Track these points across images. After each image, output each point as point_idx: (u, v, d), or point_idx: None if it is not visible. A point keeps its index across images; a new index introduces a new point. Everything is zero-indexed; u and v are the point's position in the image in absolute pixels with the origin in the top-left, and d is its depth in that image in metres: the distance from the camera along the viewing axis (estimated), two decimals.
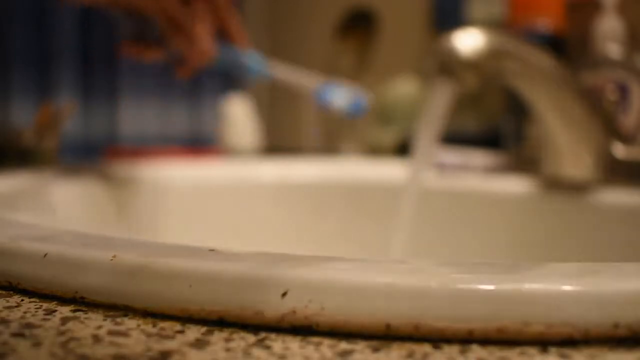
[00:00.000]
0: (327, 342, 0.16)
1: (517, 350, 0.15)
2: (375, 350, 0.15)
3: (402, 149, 0.73)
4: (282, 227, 0.55)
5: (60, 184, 0.43)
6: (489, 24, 0.79)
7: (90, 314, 0.18)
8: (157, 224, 0.50)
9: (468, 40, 0.40)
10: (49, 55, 1.07)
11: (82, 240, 0.21)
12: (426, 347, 0.15)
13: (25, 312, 0.18)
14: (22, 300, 0.19)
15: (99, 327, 0.17)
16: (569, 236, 0.43)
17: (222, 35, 0.48)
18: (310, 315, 0.16)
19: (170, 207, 0.51)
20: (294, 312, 0.16)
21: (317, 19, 1.18)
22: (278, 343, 0.16)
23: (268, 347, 0.15)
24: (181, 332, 0.17)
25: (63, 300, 0.19)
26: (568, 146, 0.44)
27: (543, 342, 0.15)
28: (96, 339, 0.16)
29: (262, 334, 0.16)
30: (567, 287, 0.16)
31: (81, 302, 0.19)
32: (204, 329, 0.17)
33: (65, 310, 0.18)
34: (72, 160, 0.99)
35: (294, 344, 0.16)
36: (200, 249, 0.19)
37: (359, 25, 1.01)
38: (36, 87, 1.06)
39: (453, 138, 0.67)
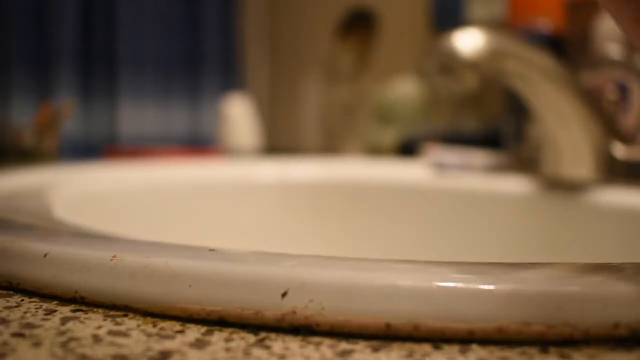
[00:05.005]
0: (327, 342, 0.16)
1: (517, 350, 0.15)
2: (375, 350, 0.15)
3: (402, 149, 0.73)
4: (282, 227, 0.55)
5: (60, 184, 0.43)
6: (489, 24, 0.79)
7: (90, 314, 0.18)
8: (157, 224, 0.50)
9: (468, 40, 0.40)
10: (49, 55, 1.07)
11: (82, 240, 0.21)
12: (426, 347, 0.15)
13: (25, 312, 0.18)
14: (22, 300, 0.19)
15: (99, 327, 0.17)
16: (569, 236, 0.43)
17: None
18: (310, 315, 0.16)
19: (170, 206, 0.51)
20: (294, 312, 0.16)
21: (317, 19, 1.18)
22: (278, 343, 0.16)
23: (268, 347, 0.15)
24: (181, 332, 0.17)
25: (63, 300, 0.19)
26: (568, 146, 0.44)
27: (543, 342, 0.15)
28: (96, 339, 0.16)
29: (262, 334, 0.16)
30: (567, 287, 0.16)
31: (81, 302, 0.19)
32: (204, 329, 0.17)
33: (65, 310, 0.18)
34: (71, 160, 0.99)
35: (294, 344, 0.16)
36: (200, 249, 0.19)
37: (359, 25, 1.01)
38: (36, 87, 1.06)
39: (453, 138, 0.67)
